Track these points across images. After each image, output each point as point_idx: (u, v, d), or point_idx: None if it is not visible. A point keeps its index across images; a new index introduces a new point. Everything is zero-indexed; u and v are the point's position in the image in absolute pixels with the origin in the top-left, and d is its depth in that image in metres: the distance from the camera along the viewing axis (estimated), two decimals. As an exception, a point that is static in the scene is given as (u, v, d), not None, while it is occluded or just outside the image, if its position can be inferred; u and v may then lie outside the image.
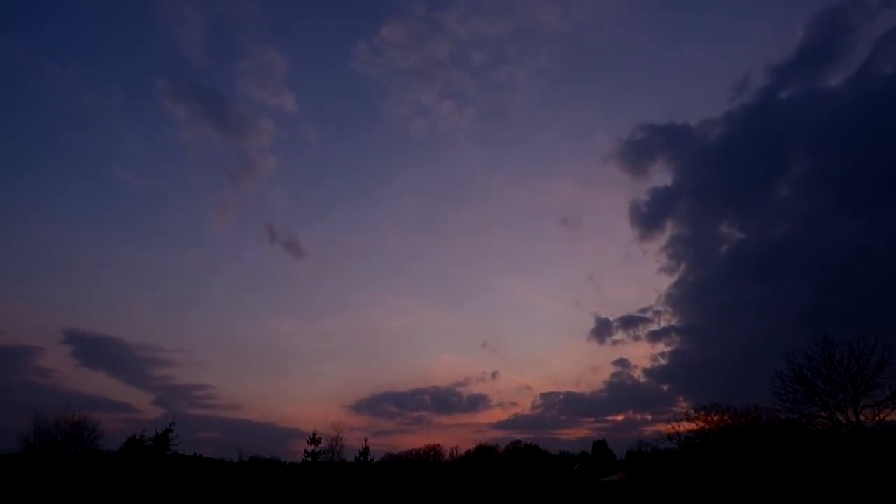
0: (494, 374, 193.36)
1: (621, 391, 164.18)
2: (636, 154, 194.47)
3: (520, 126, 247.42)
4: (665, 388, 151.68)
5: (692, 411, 48.50)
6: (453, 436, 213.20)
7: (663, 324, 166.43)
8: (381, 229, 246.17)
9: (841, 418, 33.29)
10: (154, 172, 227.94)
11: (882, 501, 28.14)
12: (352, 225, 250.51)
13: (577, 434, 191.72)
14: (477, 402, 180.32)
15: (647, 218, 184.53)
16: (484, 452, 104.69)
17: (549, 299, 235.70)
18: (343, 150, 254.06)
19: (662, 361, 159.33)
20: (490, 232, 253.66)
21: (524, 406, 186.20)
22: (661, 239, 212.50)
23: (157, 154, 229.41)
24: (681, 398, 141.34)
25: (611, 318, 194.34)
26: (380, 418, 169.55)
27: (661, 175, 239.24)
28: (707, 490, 39.94)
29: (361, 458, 60.41)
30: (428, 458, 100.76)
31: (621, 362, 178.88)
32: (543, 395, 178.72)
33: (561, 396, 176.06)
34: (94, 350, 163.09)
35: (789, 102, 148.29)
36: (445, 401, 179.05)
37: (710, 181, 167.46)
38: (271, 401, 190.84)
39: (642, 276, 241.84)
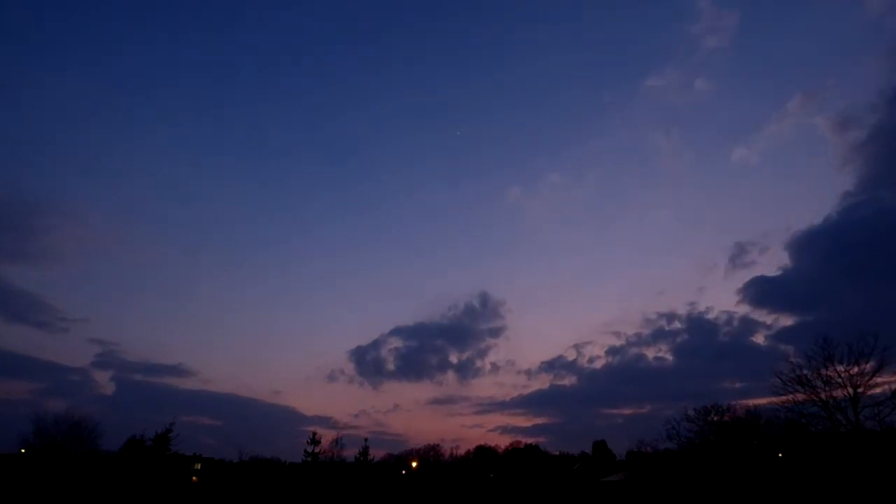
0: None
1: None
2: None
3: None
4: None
5: (692, 411, 48.46)
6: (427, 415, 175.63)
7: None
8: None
9: (841, 418, 33.32)
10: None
11: (882, 501, 28.12)
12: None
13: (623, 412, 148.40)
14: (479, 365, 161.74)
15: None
16: (484, 452, 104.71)
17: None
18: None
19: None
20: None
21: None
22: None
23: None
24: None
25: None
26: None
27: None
28: (707, 490, 39.89)
29: (362, 458, 60.49)
30: (428, 458, 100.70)
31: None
32: (580, 347, 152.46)
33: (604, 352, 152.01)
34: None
35: None
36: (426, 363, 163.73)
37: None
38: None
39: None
